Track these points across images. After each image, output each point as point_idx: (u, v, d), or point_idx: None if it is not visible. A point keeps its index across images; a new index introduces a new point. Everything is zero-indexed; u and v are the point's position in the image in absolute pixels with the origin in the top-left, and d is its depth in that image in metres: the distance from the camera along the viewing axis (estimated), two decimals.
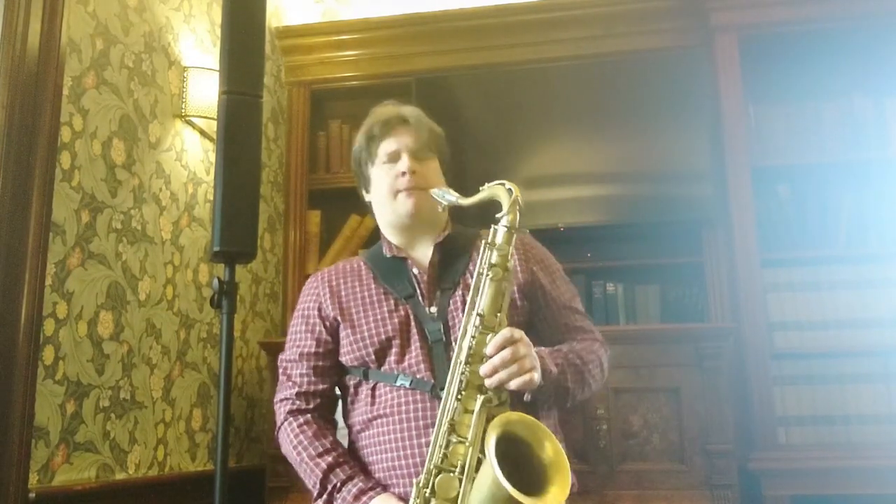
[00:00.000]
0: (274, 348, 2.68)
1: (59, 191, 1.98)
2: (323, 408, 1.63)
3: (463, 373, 1.35)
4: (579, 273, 2.98)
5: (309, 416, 1.60)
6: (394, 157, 1.62)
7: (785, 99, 2.96)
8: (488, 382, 1.33)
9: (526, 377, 1.33)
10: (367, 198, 1.72)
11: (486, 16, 3.23)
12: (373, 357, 1.55)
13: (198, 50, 2.70)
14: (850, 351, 2.65)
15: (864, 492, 2.46)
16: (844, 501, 2.50)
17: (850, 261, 2.73)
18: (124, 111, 2.28)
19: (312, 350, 1.62)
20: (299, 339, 1.65)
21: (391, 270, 1.63)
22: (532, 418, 1.31)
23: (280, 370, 1.68)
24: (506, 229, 1.42)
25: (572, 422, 2.45)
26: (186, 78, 2.57)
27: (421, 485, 1.31)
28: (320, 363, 1.62)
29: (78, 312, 2.03)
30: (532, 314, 1.60)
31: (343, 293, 1.63)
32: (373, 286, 1.62)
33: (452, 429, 1.33)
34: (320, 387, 1.62)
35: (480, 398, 1.33)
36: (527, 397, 1.39)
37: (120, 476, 2.16)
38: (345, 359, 1.60)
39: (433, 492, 1.30)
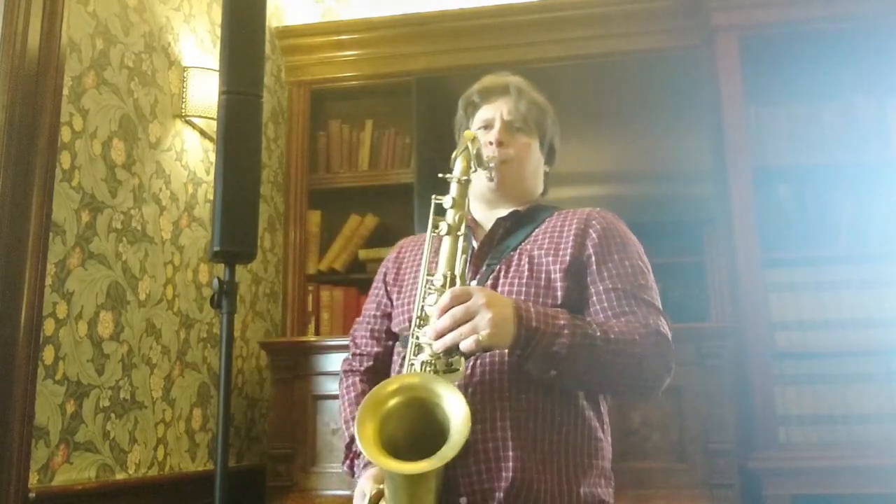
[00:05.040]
0: (274, 348, 2.68)
1: (59, 191, 1.97)
2: (374, 370, 1.61)
3: (417, 338, 1.31)
4: None
5: (358, 377, 1.60)
6: (487, 125, 1.60)
7: (786, 99, 2.95)
8: (434, 347, 1.26)
9: (472, 338, 1.22)
10: None
11: (486, 16, 3.22)
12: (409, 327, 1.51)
13: (198, 50, 2.70)
14: (852, 350, 2.64)
15: (866, 491, 2.46)
16: (846, 501, 2.49)
17: (851, 261, 2.72)
18: (124, 111, 2.28)
19: (372, 312, 1.64)
20: (368, 302, 1.67)
21: None
22: (436, 379, 1.24)
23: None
24: (456, 181, 1.38)
25: None
26: (186, 78, 2.57)
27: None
28: (376, 326, 1.63)
29: (78, 312, 2.03)
30: (580, 299, 1.45)
31: (406, 260, 1.62)
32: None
33: None
34: (374, 349, 1.62)
35: (420, 363, 1.27)
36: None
37: (120, 476, 2.16)
38: (392, 324, 1.59)
39: None
